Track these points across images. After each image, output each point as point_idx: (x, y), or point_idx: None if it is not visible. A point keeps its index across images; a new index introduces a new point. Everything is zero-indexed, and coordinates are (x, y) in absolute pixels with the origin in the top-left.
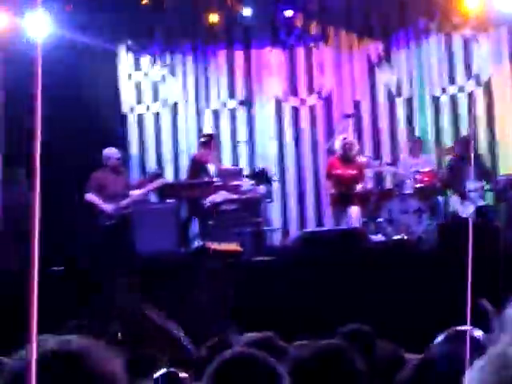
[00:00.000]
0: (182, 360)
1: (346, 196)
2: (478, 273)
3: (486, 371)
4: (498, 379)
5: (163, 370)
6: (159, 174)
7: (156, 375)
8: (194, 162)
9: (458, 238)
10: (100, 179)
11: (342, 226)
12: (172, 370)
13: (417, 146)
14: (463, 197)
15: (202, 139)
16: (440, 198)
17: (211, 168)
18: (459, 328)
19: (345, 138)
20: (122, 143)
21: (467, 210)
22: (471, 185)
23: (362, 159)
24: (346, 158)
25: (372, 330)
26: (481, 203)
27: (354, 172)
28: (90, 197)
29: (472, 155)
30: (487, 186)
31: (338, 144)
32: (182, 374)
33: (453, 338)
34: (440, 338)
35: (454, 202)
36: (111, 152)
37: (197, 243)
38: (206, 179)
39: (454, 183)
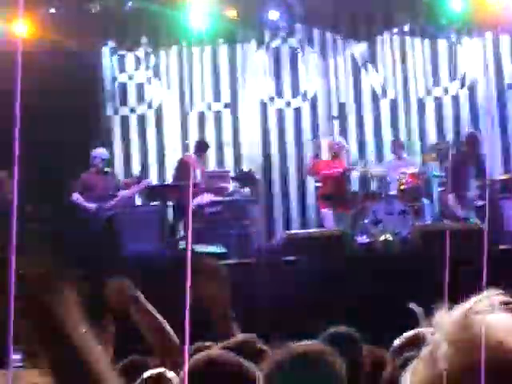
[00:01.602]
0: (171, 360)
1: (335, 196)
2: (461, 275)
3: (417, 369)
4: (427, 376)
5: (152, 371)
6: (142, 178)
7: (144, 375)
8: (182, 165)
9: (442, 239)
10: (87, 180)
11: (330, 226)
12: (160, 369)
13: (399, 146)
14: (462, 197)
15: (197, 145)
16: (425, 200)
17: (198, 172)
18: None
19: (334, 141)
20: (106, 145)
21: (465, 211)
22: (472, 185)
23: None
24: (332, 158)
25: (356, 332)
26: (479, 204)
27: (341, 170)
28: (76, 196)
29: (476, 153)
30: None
31: (325, 145)
32: (170, 374)
33: (411, 341)
34: (398, 341)
35: (452, 201)
36: (97, 152)
37: (183, 245)
38: (192, 182)
39: (455, 183)
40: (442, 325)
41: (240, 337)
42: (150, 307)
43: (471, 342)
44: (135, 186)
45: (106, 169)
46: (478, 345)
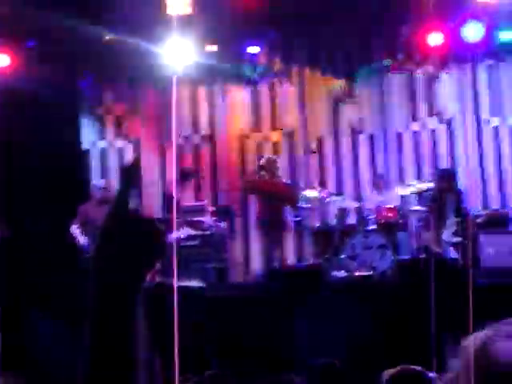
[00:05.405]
0: None
1: (273, 220)
2: (441, 310)
3: None
4: None
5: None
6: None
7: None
8: (165, 196)
9: (420, 274)
10: (83, 212)
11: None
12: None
13: (381, 182)
14: (439, 233)
15: (183, 173)
16: (403, 235)
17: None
18: (410, 367)
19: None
20: (83, 179)
21: (441, 246)
22: (449, 221)
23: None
24: (270, 174)
25: (340, 364)
26: (455, 240)
27: (279, 189)
28: (73, 229)
29: (453, 189)
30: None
31: (262, 160)
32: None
33: (403, 378)
34: (388, 376)
35: (428, 237)
36: (94, 183)
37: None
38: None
39: (432, 218)
40: (463, 352)
41: (218, 371)
42: None
43: (488, 369)
44: None
45: (102, 198)
46: (494, 372)
